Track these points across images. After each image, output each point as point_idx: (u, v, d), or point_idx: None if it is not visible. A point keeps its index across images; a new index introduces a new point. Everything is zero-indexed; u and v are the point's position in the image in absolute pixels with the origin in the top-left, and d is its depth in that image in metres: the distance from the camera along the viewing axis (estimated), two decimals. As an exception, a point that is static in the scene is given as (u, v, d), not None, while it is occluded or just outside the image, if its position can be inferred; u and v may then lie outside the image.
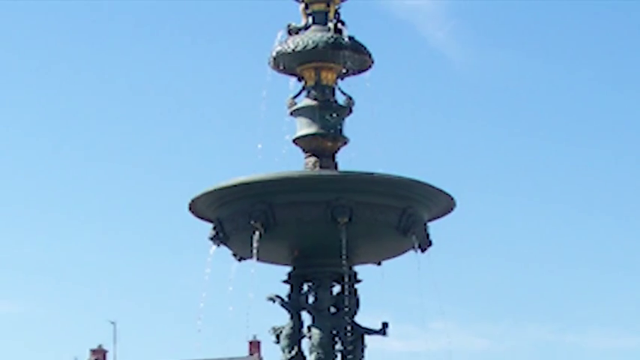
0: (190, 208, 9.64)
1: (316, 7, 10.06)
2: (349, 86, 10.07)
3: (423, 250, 9.63)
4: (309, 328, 9.69)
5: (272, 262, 10.06)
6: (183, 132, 74.12)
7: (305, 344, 9.71)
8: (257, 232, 9.04)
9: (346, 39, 9.67)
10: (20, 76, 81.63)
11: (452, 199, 9.66)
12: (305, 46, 9.59)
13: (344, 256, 9.16)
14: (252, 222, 9.04)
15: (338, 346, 9.67)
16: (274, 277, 10.21)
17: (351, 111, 9.88)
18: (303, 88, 9.92)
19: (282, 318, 9.88)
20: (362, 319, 9.92)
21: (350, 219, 9.06)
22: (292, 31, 9.79)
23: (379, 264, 10.25)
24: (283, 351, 9.71)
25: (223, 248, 9.68)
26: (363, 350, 9.80)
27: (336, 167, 9.88)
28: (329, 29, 9.67)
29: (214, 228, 9.62)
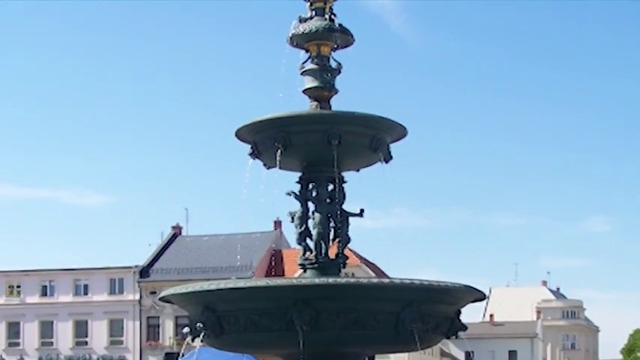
0: (236, 135, 12.29)
1: (317, 4, 12.65)
2: (339, 56, 12.67)
3: (386, 162, 12.32)
4: (313, 212, 12.50)
5: (289, 170, 12.57)
6: (238, 89, 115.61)
7: (310, 223, 12.48)
8: (279, 150, 11.69)
9: (337, 25, 12.35)
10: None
11: (405, 128, 12.33)
12: (310, 30, 12.31)
13: (335, 166, 11.90)
14: (276, 144, 11.76)
15: (331, 224, 12.44)
16: (291, 179, 12.59)
17: (339, 72, 12.55)
18: (309, 58, 12.56)
19: (296, 206, 12.50)
20: (347, 206, 12.54)
21: (339, 142, 11.79)
22: (302, 20, 12.41)
23: (358, 171, 12.83)
24: (296, 227, 12.52)
25: (257, 161, 12.26)
26: (347, 227, 12.53)
27: (330, 108, 12.44)
28: (325, 19, 12.38)
29: (251, 148, 12.27)
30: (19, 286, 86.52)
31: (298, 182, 12.65)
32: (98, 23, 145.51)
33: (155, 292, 71.66)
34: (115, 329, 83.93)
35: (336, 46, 12.55)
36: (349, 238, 12.66)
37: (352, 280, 12.00)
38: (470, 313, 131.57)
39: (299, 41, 12.58)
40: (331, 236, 12.55)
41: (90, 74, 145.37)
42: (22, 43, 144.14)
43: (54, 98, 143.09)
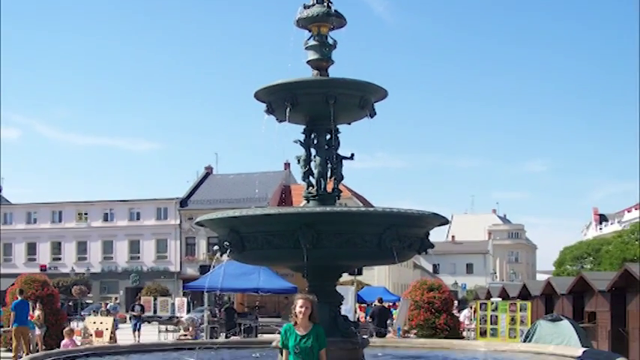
0: (255, 96, 12.07)
1: (318, -6, 12.51)
2: (334, 34, 12.42)
3: (371, 117, 12.19)
4: (314, 156, 12.45)
5: (296, 123, 12.35)
6: (258, 60, 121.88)
7: (312, 164, 12.42)
8: (288, 108, 11.57)
9: (333, 11, 12.11)
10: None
11: (386, 91, 12.07)
12: (312, 15, 12.12)
13: (332, 120, 11.80)
14: (286, 103, 11.62)
15: (329, 165, 12.36)
16: (297, 130, 12.47)
17: (335, 47, 12.32)
18: (311, 36, 12.33)
19: (301, 151, 12.40)
20: (341, 151, 12.46)
21: (335, 101, 11.65)
22: (306, 7, 12.20)
23: (349, 124, 12.64)
24: (301, 167, 12.46)
25: (271, 116, 12.07)
26: (341, 167, 12.43)
27: (327, 75, 12.21)
28: (324, 6, 12.15)
29: (267, 106, 12.10)
30: (86, 214, 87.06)
31: (303, 132, 12.57)
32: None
33: (192, 218, 71.91)
34: (161, 247, 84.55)
35: (332, 27, 12.34)
36: (342, 176, 12.58)
37: (345, 208, 12.14)
38: (436, 235, 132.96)
39: (303, 23, 12.37)
40: (329, 174, 12.47)
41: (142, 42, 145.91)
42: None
43: (112, 61, 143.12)
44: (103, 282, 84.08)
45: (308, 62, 12.38)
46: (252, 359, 14.09)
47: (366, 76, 11.81)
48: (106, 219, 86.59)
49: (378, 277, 76.07)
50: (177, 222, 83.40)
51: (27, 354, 20.49)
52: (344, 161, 12.63)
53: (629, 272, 23.26)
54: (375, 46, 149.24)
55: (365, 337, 14.07)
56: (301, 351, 8.40)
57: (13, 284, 26.43)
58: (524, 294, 34.91)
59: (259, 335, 30.26)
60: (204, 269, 69.06)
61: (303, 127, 12.46)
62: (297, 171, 13.57)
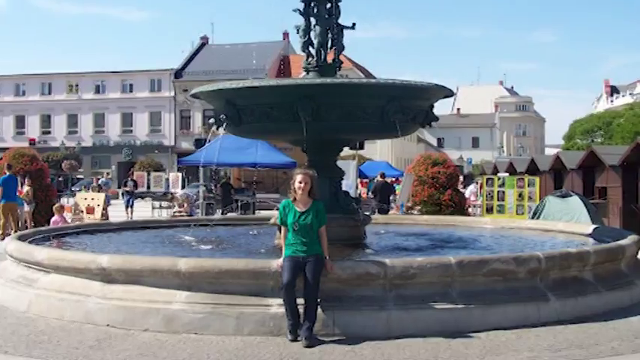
0: None
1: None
2: None
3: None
4: (314, 25, 12.53)
5: None
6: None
7: (312, 34, 12.46)
8: None
9: None
10: None
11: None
12: None
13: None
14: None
15: (329, 35, 12.50)
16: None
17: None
18: None
19: (300, 20, 12.61)
20: (341, 20, 12.64)
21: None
22: None
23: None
24: (301, 37, 12.56)
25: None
26: (342, 37, 12.63)
27: None
28: None
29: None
30: (77, 85, 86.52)
31: (302, 1, 12.59)
32: None
33: (187, 90, 71.43)
34: (155, 120, 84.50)
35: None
36: (343, 47, 12.58)
37: (346, 79, 12.12)
38: (441, 107, 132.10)
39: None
40: (329, 45, 12.50)
41: None
42: None
43: None
44: (94, 156, 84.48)
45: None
46: (249, 237, 14.26)
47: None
48: (97, 91, 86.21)
49: (380, 151, 76.41)
50: (172, 94, 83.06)
51: (15, 231, 20.73)
52: (345, 31, 12.65)
53: (642, 146, 23.23)
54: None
55: (367, 213, 14.22)
56: (300, 228, 8.45)
57: (1, 159, 26.33)
58: (533, 169, 35.07)
59: (256, 212, 30.58)
60: (199, 143, 69.17)
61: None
62: (296, 41, 13.59)
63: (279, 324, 8.39)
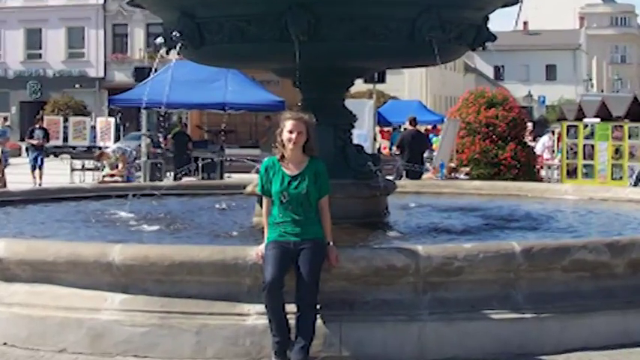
0: None
1: None
2: None
3: None
4: None
5: None
6: None
7: None
8: None
9: None
10: None
11: None
12: None
13: None
14: None
15: None
16: None
17: None
18: None
19: None
20: None
21: None
22: None
23: None
24: None
25: None
26: None
27: None
28: None
29: None
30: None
31: None
32: None
33: (121, -5, 71.11)
34: (75, 39, 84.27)
35: None
36: None
37: (359, -21, 12.00)
38: (499, 21, 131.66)
39: None
40: None
41: None
42: None
43: None
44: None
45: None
46: (215, 213, 14.27)
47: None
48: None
49: (409, 86, 76.48)
50: (100, 1, 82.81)
51: None
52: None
53: None
54: None
55: (389, 178, 14.20)
56: (291, 199, 8.40)
57: None
58: (636, 112, 34.96)
59: (226, 176, 30.59)
60: (140, 74, 68.81)
61: None
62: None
63: (259, 342, 8.40)
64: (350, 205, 11.66)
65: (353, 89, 13.04)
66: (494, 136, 27.25)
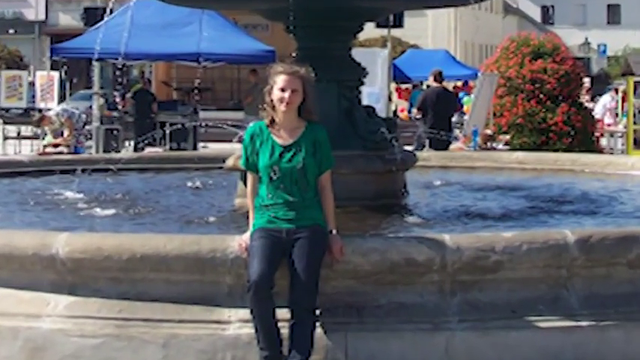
0: None
1: None
2: None
3: None
4: None
5: None
6: None
7: None
8: None
9: None
10: None
11: None
12: None
13: None
14: None
15: None
16: None
17: None
18: None
19: None
20: None
21: None
22: None
23: None
24: None
25: None
26: None
27: None
28: None
29: None
30: None
31: None
32: None
33: None
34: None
35: None
36: None
37: None
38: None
39: None
40: None
41: None
42: None
43: None
44: None
45: None
46: (187, 192, 14.30)
47: None
48: None
49: (434, 32, 76.51)
50: None
51: None
52: None
53: None
54: None
55: (409, 148, 14.22)
56: (284, 175, 8.38)
57: None
58: None
59: (201, 146, 30.64)
60: (91, 16, 68.89)
61: None
62: None
63: (243, 356, 8.43)
64: (358, 182, 11.72)
65: (362, 36, 13.01)
66: (541, 96, 27.25)
